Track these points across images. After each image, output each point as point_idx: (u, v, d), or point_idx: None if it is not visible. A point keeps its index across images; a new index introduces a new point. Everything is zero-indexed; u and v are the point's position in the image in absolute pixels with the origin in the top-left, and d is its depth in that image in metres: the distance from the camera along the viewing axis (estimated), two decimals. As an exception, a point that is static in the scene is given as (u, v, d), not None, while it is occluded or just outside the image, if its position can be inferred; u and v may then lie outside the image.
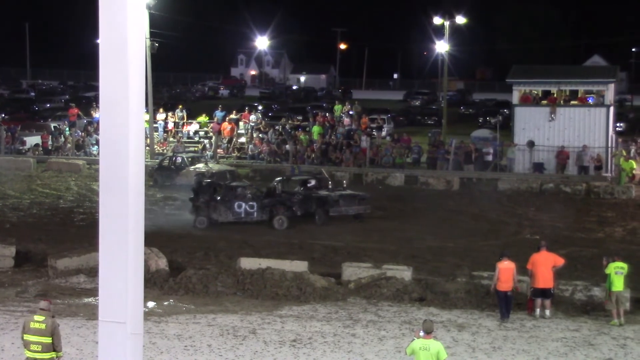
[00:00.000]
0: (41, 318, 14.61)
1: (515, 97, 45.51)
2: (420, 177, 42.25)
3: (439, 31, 69.57)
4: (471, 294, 21.97)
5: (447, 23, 63.06)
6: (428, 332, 14.54)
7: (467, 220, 34.11)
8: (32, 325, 14.60)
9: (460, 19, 64.80)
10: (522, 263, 21.38)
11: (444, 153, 44.63)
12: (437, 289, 22.49)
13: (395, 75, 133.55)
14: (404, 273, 23.20)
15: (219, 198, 32.27)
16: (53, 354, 14.62)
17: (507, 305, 20.46)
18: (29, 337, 14.60)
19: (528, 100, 45.02)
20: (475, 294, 21.95)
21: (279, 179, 35.06)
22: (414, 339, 14.62)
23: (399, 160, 45.28)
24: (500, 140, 46.15)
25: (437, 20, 63.99)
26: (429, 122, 68.17)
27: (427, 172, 43.60)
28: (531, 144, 43.02)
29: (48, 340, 14.52)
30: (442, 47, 67.46)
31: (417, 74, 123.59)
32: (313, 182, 34.30)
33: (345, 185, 36.23)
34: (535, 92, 45.81)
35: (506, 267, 20.55)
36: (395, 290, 22.39)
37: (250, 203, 32.24)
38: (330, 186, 34.64)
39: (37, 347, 14.51)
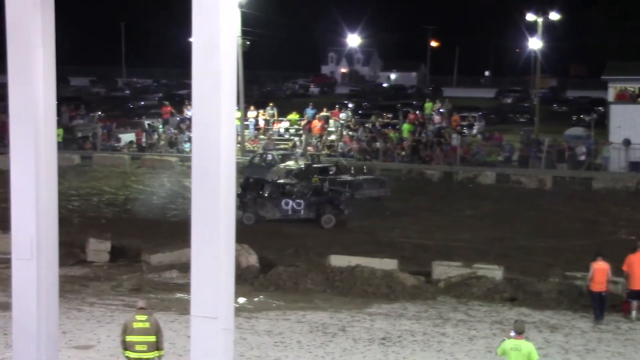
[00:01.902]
0: (143, 317, 14.56)
1: (611, 95, 44.60)
2: (511, 176, 41.71)
3: (531, 27, 68.55)
4: (564, 295, 21.57)
5: (540, 19, 62.11)
6: (519, 333, 14.33)
7: (559, 219, 33.53)
8: (136, 325, 14.50)
9: (554, 15, 63.74)
10: (617, 264, 20.90)
11: (536, 151, 43.94)
12: (528, 289, 22.15)
13: (486, 73, 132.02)
14: (495, 272, 22.92)
15: (266, 195, 32.41)
16: (156, 353, 14.58)
17: (601, 306, 20.03)
18: (133, 338, 14.48)
19: (624, 98, 44.04)
20: (568, 295, 21.55)
21: (300, 166, 37.09)
22: (504, 339, 14.44)
23: (489, 158, 44.77)
24: (594, 139, 45.23)
25: (530, 17, 63.10)
26: (521, 120, 67.09)
27: (518, 170, 43.02)
28: (627, 142, 42.02)
29: (153, 338, 14.47)
30: (534, 44, 66.37)
31: (508, 71, 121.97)
32: (333, 170, 37.02)
33: (365, 171, 38.77)
34: (632, 90, 44.74)
35: (601, 268, 20.11)
36: (485, 289, 22.13)
37: (298, 201, 32.30)
38: (352, 172, 37.46)
39: (143, 347, 14.43)
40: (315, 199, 32.41)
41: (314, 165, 38.15)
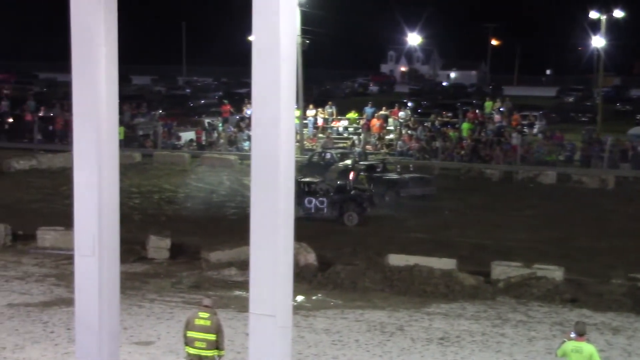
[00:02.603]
0: (206, 315, 14.61)
1: (676, 93, 43.72)
2: (573, 176, 41.21)
3: (594, 25, 67.62)
4: (627, 297, 21.25)
5: (603, 17, 61.22)
6: (580, 335, 14.13)
7: (622, 220, 33.02)
8: (197, 321, 14.59)
9: (618, 13, 62.76)
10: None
11: (599, 151, 43.34)
12: (590, 290, 21.87)
13: (547, 71, 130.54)
14: (555, 273, 22.67)
15: None
16: (215, 352, 14.62)
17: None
18: (193, 334, 14.59)
19: (689, 97, 43.18)
20: (632, 297, 21.22)
21: (346, 162, 37.99)
22: (565, 341, 14.26)
23: (549, 157, 44.25)
24: (659, 138, 44.47)
25: (593, 15, 62.22)
26: (583, 119, 66.21)
27: (580, 170, 42.48)
28: (693, 141, 41.28)
29: (212, 337, 14.51)
30: (597, 41, 65.46)
31: (570, 70, 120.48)
32: (380, 167, 38.07)
33: (412, 169, 39.63)
34: (697, 88, 43.88)
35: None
36: (545, 290, 21.90)
37: (320, 199, 32.20)
38: (398, 170, 38.27)
39: (202, 344, 14.50)
40: (338, 197, 32.30)
41: (360, 163, 38.41)
